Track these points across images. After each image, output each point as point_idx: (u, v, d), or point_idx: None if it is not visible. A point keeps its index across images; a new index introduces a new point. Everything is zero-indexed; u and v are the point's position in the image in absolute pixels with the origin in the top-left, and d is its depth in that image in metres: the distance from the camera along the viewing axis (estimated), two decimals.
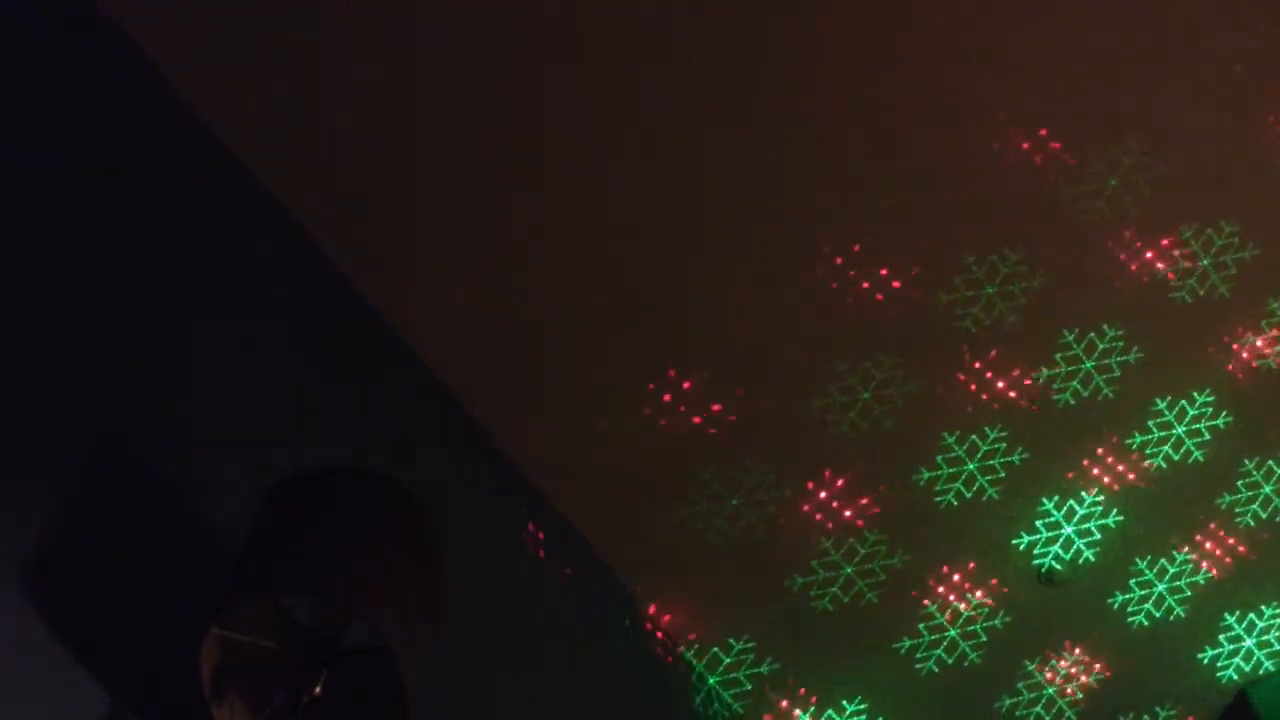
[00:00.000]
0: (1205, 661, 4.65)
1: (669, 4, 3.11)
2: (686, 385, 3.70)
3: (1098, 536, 4.32)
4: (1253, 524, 4.42)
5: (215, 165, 3.01)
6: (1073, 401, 4.02)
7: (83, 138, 2.65)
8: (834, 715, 4.39)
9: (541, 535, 3.67)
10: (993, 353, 3.88)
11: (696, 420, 3.76)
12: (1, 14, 2.54)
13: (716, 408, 3.76)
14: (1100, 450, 4.17)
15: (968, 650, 4.37)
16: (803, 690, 4.34)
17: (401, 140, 3.16)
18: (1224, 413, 4.19)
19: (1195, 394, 4.14)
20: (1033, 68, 3.40)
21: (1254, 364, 4.13)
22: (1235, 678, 4.70)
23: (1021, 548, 4.28)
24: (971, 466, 4.04)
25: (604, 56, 3.15)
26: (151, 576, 2.31)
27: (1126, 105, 3.54)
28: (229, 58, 2.98)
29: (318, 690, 2.09)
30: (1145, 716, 4.70)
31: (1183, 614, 4.51)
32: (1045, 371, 3.95)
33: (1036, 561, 4.31)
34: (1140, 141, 3.59)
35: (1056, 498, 4.22)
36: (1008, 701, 4.55)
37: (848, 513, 4.04)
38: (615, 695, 3.78)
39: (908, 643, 4.33)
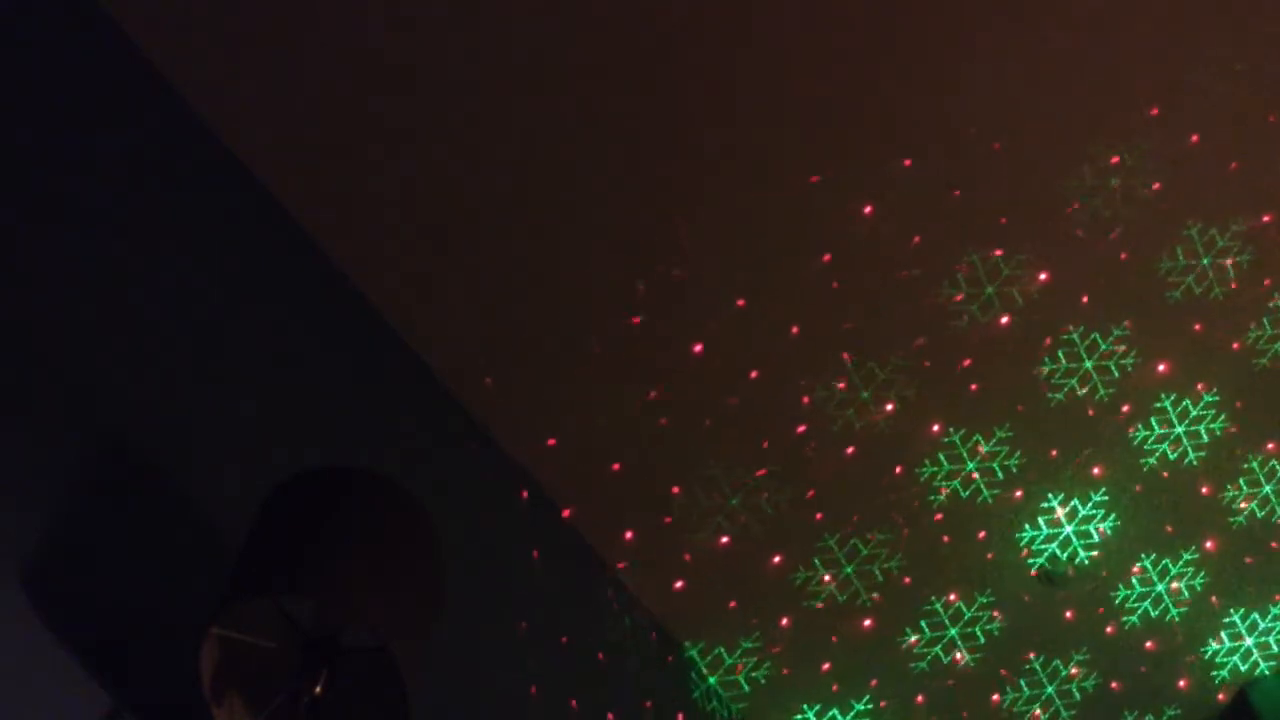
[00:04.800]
0: (1205, 661, 4.65)
1: (669, 4, 3.12)
2: (688, 382, 3.70)
3: (1097, 537, 4.32)
4: (1253, 523, 4.42)
5: (215, 165, 3.01)
6: (1070, 400, 4.02)
7: (82, 137, 2.65)
8: (834, 715, 4.39)
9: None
10: (994, 350, 3.88)
11: (698, 419, 3.76)
12: (0, 12, 2.54)
13: (718, 406, 3.76)
14: (1100, 449, 4.17)
15: (967, 650, 4.38)
16: (803, 689, 4.35)
17: (401, 140, 3.16)
18: (1224, 413, 4.19)
19: (1195, 393, 4.14)
20: (1036, 64, 3.40)
21: (1253, 363, 4.13)
22: (1235, 678, 4.70)
23: (1022, 548, 4.28)
24: (971, 466, 4.04)
25: (602, 56, 3.15)
26: (151, 576, 2.31)
27: (1127, 104, 3.54)
28: (229, 58, 2.98)
29: (318, 690, 2.09)
30: (1145, 716, 4.70)
31: (1182, 614, 4.52)
32: (1046, 368, 3.95)
33: (1037, 561, 4.31)
34: (1141, 141, 3.59)
35: (1057, 497, 4.22)
36: (1008, 701, 4.55)
37: (849, 511, 4.05)
38: (615, 695, 3.78)
39: (908, 643, 4.33)
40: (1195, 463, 4.25)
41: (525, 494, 3.68)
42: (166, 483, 2.45)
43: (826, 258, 3.58)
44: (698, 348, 3.64)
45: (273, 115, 3.06)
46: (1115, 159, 3.60)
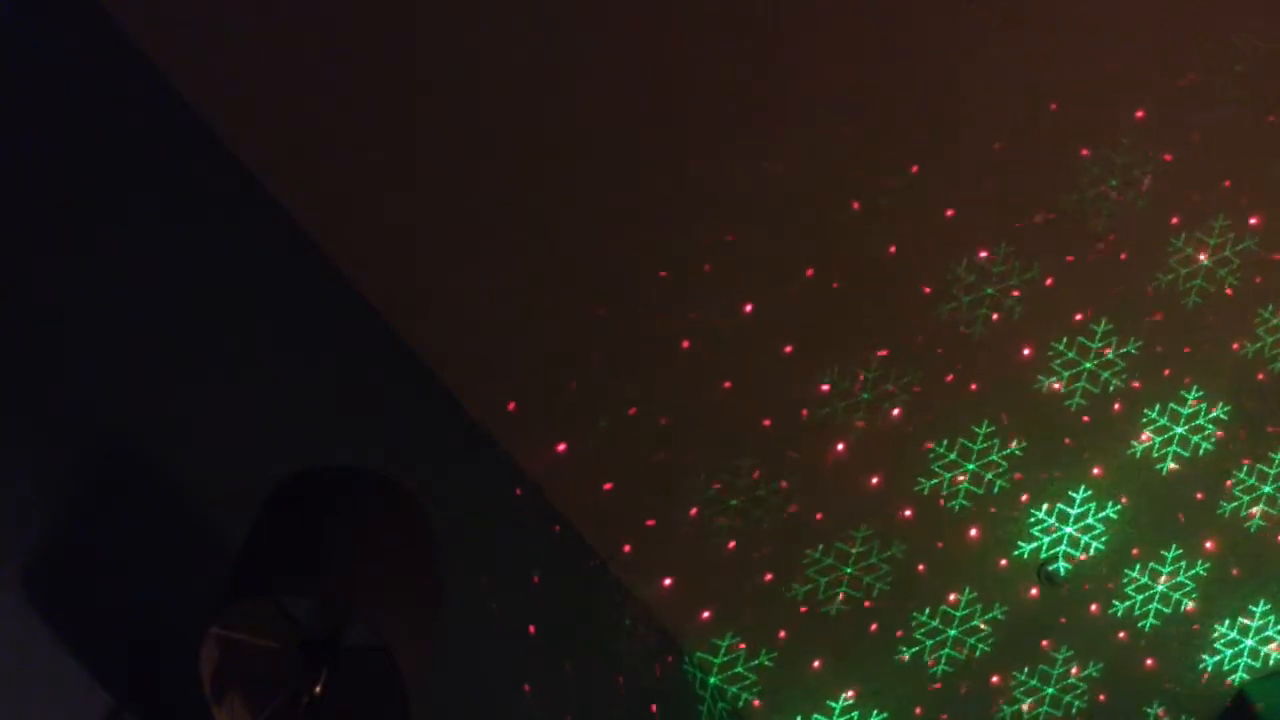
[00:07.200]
0: (1204, 661, 4.65)
1: (669, 4, 3.12)
2: (690, 383, 3.70)
3: (1097, 536, 4.32)
4: (1252, 523, 4.42)
5: (215, 165, 3.01)
6: (1072, 400, 4.02)
7: (82, 137, 2.65)
8: (833, 713, 4.39)
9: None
10: (993, 351, 3.88)
11: (701, 419, 3.76)
12: (1, 12, 2.54)
13: (722, 407, 3.76)
14: (1100, 449, 4.17)
15: (966, 650, 4.37)
16: (804, 691, 4.34)
17: (402, 139, 3.16)
18: (1224, 412, 4.19)
19: (1194, 393, 4.14)
20: (1035, 66, 3.40)
21: (1252, 361, 4.13)
22: (1235, 677, 4.70)
23: (1021, 547, 4.28)
24: (972, 466, 4.04)
25: (603, 53, 3.15)
26: (151, 576, 2.31)
27: (1127, 104, 3.55)
28: (229, 58, 2.98)
29: (318, 690, 2.09)
30: (1144, 716, 4.70)
31: (1182, 613, 4.51)
32: (1046, 367, 3.95)
33: (1025, 552, 4.31)
34: (1142, 141, 3.59)
35: (1058, 496, 4.22)
36: (1008, 699, 4.55)
37: (850, 512, 4.05)
38: (615, 695, 3.78)
39: (908, 644, 4.33)
40: (1194, 462, 4.24)
41: (521, 492, 3.68)
42: (166, 483, 2.45)
43: (831, 260, 3.59)
44: (700, 348, 3.64)
45: (273, 115, 3.06)
46: (1115, 160, 3.60)
